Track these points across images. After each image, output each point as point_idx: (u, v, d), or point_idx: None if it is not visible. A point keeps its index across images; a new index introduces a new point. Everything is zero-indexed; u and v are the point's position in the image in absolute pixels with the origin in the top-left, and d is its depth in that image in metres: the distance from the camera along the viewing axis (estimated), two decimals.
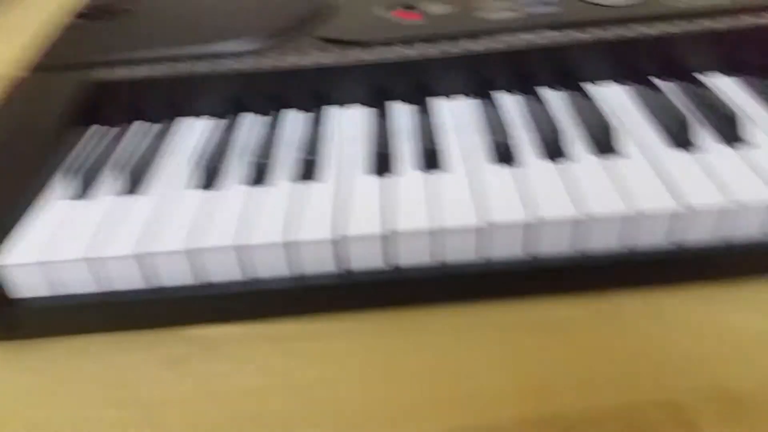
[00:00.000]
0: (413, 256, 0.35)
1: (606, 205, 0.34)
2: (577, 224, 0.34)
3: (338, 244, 0.34)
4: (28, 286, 0.36)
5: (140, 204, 0.38)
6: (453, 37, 0.46)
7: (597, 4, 0.48)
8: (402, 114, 0.45)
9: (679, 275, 0.36)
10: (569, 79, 0.46)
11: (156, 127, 0.46)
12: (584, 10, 0.48)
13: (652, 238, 0.35)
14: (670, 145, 0.39)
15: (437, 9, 0.49)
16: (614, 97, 0.45)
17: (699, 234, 0.35)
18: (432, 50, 0.45)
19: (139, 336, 0.37)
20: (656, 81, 0.45)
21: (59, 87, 0.46)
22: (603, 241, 0.35)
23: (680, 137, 0.39)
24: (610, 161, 0.38)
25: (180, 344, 0.36)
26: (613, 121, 0.40)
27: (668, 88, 0.45)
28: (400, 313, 0.36)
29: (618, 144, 0.39)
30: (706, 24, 0.45)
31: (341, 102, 0.47)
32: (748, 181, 0.35)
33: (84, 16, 0.55)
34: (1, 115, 0.45)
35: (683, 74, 0.45)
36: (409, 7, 0.50)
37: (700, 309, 0.35)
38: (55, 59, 0.50)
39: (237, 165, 0.41)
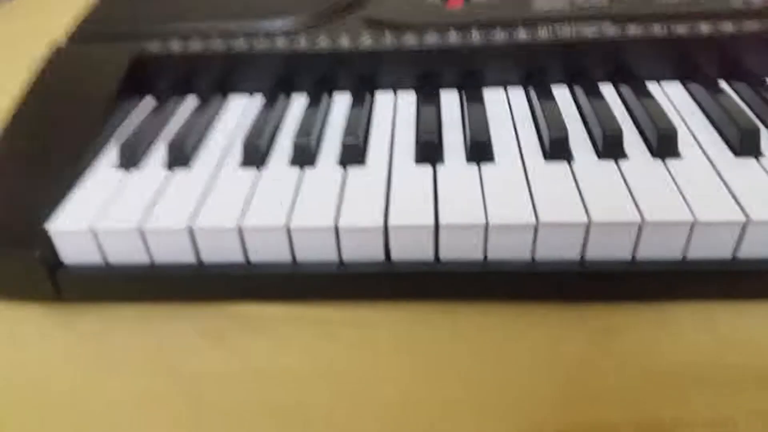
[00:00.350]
0: (458, 249, 0.35)
1: (663, 213, 0.33)
2: (631, 229, 0.33)
3: (383, 232, 0.34)
4: (77, 252, 0.36)
5: (189, 178, 0.39)
6: (493, 26, 0.45)
7: None
8: (451, 102, 0.45)
9: (736, 290, 0.35)
10: (625, 75, 0.45)
11: (207, 102, 0.46)
12: (640, 2, 0.46)
13: (709, 250, 0.34)
14: (735, 153, 0.38)
15: None
16: (674, 97, 0.44)
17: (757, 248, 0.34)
18: (476, 37, 0.45)
19: (182, 308, 0.37)
20: (722, 83, 0.44)
21: (109, 57, 0.47)
22: (658, 249, 0.34)
23: (745, 145, 0.37)
24: (668, 165, 0.37)
25: (222, 319, 0.36)
26: (673, 123, 0.39)
27: (734, 90, 0.43)
28: (446, 307, 0.36)
29: (677, 148, 0.38)
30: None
31: (388, 86, 0.47)
32: None
33: None
34: (52, 83, 0.46)
35: (750, 77, 0.44)
36: None
37: (757, 324, 0.34)
38: (105, 28, 0.50)
39: (284, 145, 0.41)
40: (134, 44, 0.47)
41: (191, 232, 0.35)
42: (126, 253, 0.36)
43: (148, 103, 0.47)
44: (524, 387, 0.32)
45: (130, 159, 0.40)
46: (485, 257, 0.35)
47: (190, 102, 0.47)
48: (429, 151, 0.39)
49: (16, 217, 0.37)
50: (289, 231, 0.34)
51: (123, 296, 0.37)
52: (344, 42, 0.46)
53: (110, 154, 0.42)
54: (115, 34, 0.48)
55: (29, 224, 0.36)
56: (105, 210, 0.36)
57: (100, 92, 0.45)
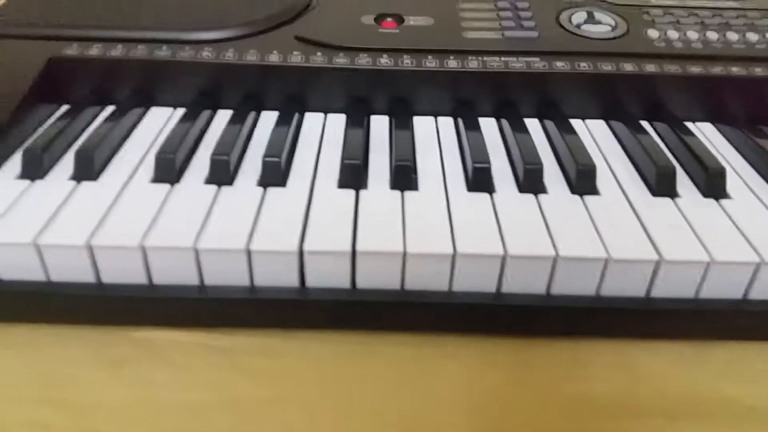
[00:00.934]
0: (375, 278, 0.34)
1: (577, 248, 0.33)
2: (545, 263, 0.33)
3: (298, 258, 0.33)
4: None
5: (96, 191, 0.36)
6: (427, 52, 0.45)
7: (577, 35, 0.47)
8: (381, 127, 0.44)
9: (650, 328, 0.35)
10: (551, 110, 0.45)
11: (125, 113, 0.43)
12: (564, 38, 0.47)
13: (622, 288, 0.34)
14: (652, 192, 0.38)
15: (416, 21, 0.48)
16: (597, 135, 0.44)
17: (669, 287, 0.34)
18: (408, 62, 0.44)
19: (83, 332, 0.35)
20: (643, 123, 0.45)
21: (22, 57, 0.44)
22: (572, 285, 0.34)
23: (661, 184, 0.38)
24: (586, 201, 0.37)
25: (123, 345, 0.34)
26: (592, 159, 0.39)
27: (656, 131, 0.44)
28: (361, 337, 0.35)
29: (595, 184, 0.38)
30: (689, 68, 0.45)
31: (318, 107, 0.46)
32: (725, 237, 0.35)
33: None
34: None
35: (667, 117, 0.45)
36: (387, 16, 0.49)
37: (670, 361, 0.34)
38: (20, 25, 0.47)
39: (202, 161, 0.39)
40: (51, 45, 0.45)
41: (90, 250, 0.33)
42: (19, 268, 0.33)
43: (68, 111, 0.45)
44: (438, 419, 0.31)
45: (35, 169, 0.38)
46: (402, 286, 0.34)
47: (108, 113, 0.45)
48: (352, 175, 0.38)
49: None
50: (197, 252, 0.33)
51: (13, 316, 0.35)
52: (274, 57, 0.44)
53: (15, 162, 0.39)
54: (30, 33, 0.46)
55: None
56: (1, 222, 0.34)
57: (9, 94, 0.42)
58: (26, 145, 0.39)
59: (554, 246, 0.33)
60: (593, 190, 0.38)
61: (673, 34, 0.47)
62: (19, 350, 0.34)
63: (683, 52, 0.46)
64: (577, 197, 0.37)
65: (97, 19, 0.47)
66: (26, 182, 0.37)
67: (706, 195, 0.38)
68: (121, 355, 0.34)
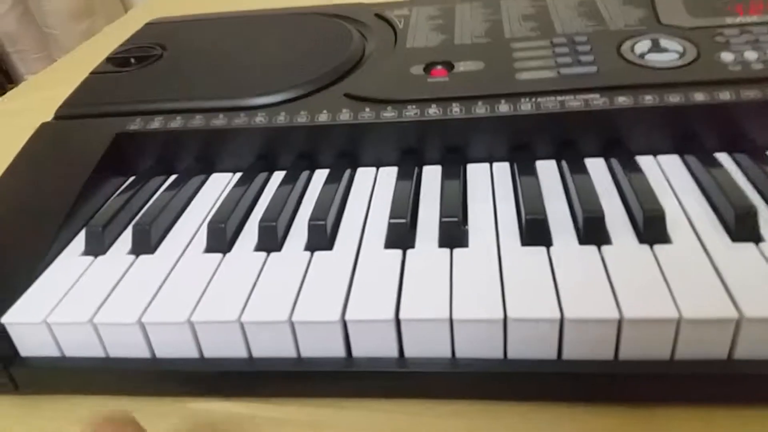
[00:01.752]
0: (422, 347, 0.32)
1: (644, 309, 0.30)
2: (609, 326, 0.30)
3: (342, 327, 0.32)
4: (33, 344, 0.35)
5: (151, 265, 0.37)
6: (477, 98, 0.43)
7: (641, 65, 0.44)
8: (430, 176, 0.43)
9: (732, 393, 0.31)
10: (614, 148, 0.42)
11: (187, 181, 0.45)
12: (627, 71, 0.44)
13: (699, 350, 0.30)
14: (731, 237, 0.34)
15: (466, 66, 0.47)
16: (668, 172, 0.41)
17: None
18: (457, 110, 0.43)
19: (138, 403, 0.35)
20: (721, 155, 0.41)
21: (90, 135, 0.47)
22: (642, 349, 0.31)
23: (742, 228, 0.34)
24: (655, 252, 0.34)
25: (180, 416, 0.35)
26: (660, 203, 0.36)
27: (734, 162, 0.40)
28: (410, 406, 0.33)
29: (665, 231, 0.35)
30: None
31: (367, 161, 0.45)
32: None
33: (113, 61, 0.56)
34: (32, 161, 0.46)
35: (747, 147, 0.41)
36: (437, 64, 0.48)
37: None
38: (82, 107, 0.50)
39: (254, 227, 0.39)
40: (111, 122, 0.47)
41: (143, 327, 0.33)
42: (80, 346, 0.35)
43: (132, 183, 0.47)
44: None
45: (97, 245, 0.39)
46: (453, 354, 0.32)
47: (171, 181, 0.46)
48: (398, 234, 0.37)
49: None
50: (242, 326, 0.33)
51: (77, 388, 0.36)
52: (323, 117, 0.44)
53: (81, 239, 0.41)
54: (98, 113, 0.48)
55: None
56: (63, 301, 0.35)
57: (79, 171, 0.44)
58: (95, 220, 0.41)
59: (618, 308, 0.30)
60: (664, 238, 0.35)
61: (750, 55, 0.43)
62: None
63: (763, 74, 0.41)
64: (645, 247, 0.34)
65: (158, 94, 0.49)
66: (89, 259, 0.39)
67: None
68: (175, 425, 0.34)
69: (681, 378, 0.31)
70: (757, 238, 0.34)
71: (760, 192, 0.38)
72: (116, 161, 0.46)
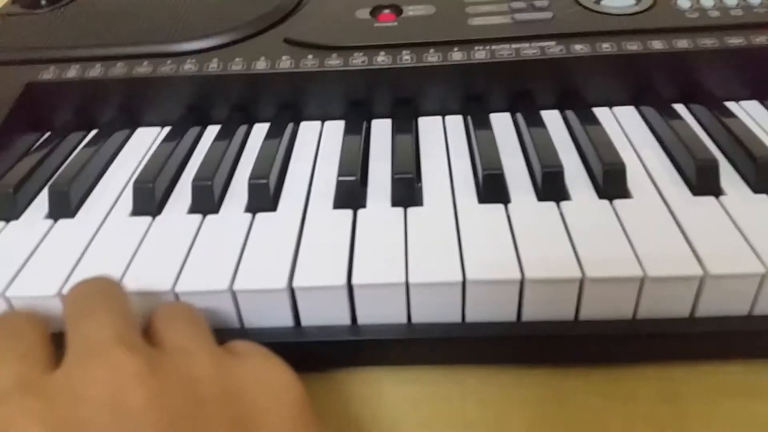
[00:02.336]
0: (374, 312, 0.30)
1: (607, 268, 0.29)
2: (572, 286, 0.29)
3: (289, 294, 0.30)
4: None
5: (71, 230, 0.34)
6: (429, 44, 0.40)
7: (597, 12, 0.42)
8: (380, 130, 0.40)
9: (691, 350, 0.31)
10: (571, 100, 0.40)
11: (107, 137, 0.40)
12: (583, 17, 0.42)
13: (666, 308, 0.30)
14: (690, 191, 0.33)
15: (415, 11, 0.43)
16: (623, 122, 0.39)
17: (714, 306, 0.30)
18: (407, 58, 0.40)
19: None
20: (677, 107, 0.40)
21: (0, 85, 0.41)
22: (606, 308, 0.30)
23: (703, 182, 0.33)
24: (614, 205, 0.32)
25: None
26: (621, 157, 0.34)
27: (693, 114, 0.39)
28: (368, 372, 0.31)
29: (627, 185, 0.34)
30: (728, 40, 0.39)
31: (311, 115, 0.42)
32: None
33: (21, 2, 0.49)
34: None
35: (705, 98, 0.40)
36: (384, 8, 0.44)
37: None
38: None
39: (187, 187, 0.36)
40: (26, 70, 0.42)
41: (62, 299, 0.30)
42: None
43: (49, 138, 0.42)
44: None
45: (9, 209, 0.35)
46: (409, 320, 0.30)
47: (92, 136, 0.42)
48: (348, 193, 0.34)
49: None
50: (177, 296, 0.30)
51: None
52: (261, 64, 0.41)
53: None
54: (5, 60, 0.43)
55: None
56: None
57: None
58: (6, 180, 0.36)
59: (580, 267, 0.29)
60: (624, 193, 0.33)
61: (707, 2, 0.42)
62: None
63: (720, 22, 0.40)
64: (605, 203, 0.33)
65: (74, 38, 0.44)
66: (1, 224, 0.34)
67: (756, 190, 0.33)
68: None
69: (643, 337, 0.30)
70: (717, 192, 0.33)
71: (717, 144, 0.37)
72: (28, 114, 0.41)
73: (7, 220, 0.35)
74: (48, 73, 0.42)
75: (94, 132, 0.42)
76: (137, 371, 0.22)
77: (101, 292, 0.26)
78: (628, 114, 0.40)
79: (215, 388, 0.23)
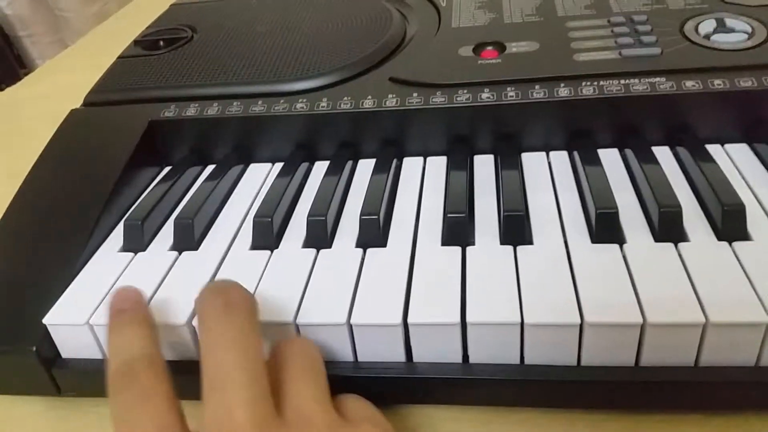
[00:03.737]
0: (487, 352, 0.30)
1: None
2: (694, 331, 0.28)
3: (404, 330, 0.30)
4: (75, 345, 0.34)
5: (196, 262, 0.36)
6: (534, 81, 0.41)
7: (707, 47, 0.41)
8: (485, 168, 0.41)
9: None
10: (681, 136, 0.39)
11: (224, 173, 0.43)
12: (692, 53, 0.41)
13: None
14: None
15: (519, 47, 0.44)
16: (737, 160, 0.38)
17: None
18: (512, 94, 0.40)
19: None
20: None
21: (119, 123, 0.45)
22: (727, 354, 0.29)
23: None
24: (733, 247, 0.31)
25: None
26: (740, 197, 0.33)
27: None
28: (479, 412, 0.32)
29: (746, 227, 0.33)
30: None
31: (415, 151, 0.43)
32: None
33: (141, 44, 0.53)
34: (63, 152, 0.44)
35: None
36: (487, 45, 0.45)
37: None
38: (112, 92, 0.48)
39: (300, 221, 0.37)
40: (149, 108, 0.45)
41: (192, 329, 0.32)
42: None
43: (165, 174, 0.45)
44: None
45: (137, 241, 0.38)
46: (522, 360, 0.30)
47: (210, 172, 0.44)
48: (457, 230, 0.35)
49: (13, 308, 0.34)
50: (297, 329, 0.31)
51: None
52: (368, 102, 0.42)
53: (118, 233, 0.39)
54: (129, 99, 0.46)
55: (27, 316, 0.34)
56: (106, 301, 0.33)
57: (113, 161, 0.42)
58: (127, 215, 0.39)
59: (703, 310, 0.28)
60: (743, 235, 0.32)
61: None
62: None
63: None
64: (725, 244, 0.32)
65: (192, 78, 0.47)
66: (129, 255, 0.37)
67: None
68: None
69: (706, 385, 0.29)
70: None
71: None
72: (150, 150, 0.44)
73: (135, 251, 0.37)
74: (169, 111, 0.45)
75: (210, 167, 0.44)
76: None
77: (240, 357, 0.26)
78: (741, 151, 0.39)
79: None
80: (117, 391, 0.27)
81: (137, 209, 0.39)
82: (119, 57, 0.52)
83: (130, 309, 0.30)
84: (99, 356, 0.34)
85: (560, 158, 0.41)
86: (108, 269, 0.36)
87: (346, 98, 0.42)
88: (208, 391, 0.25)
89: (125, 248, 0.38)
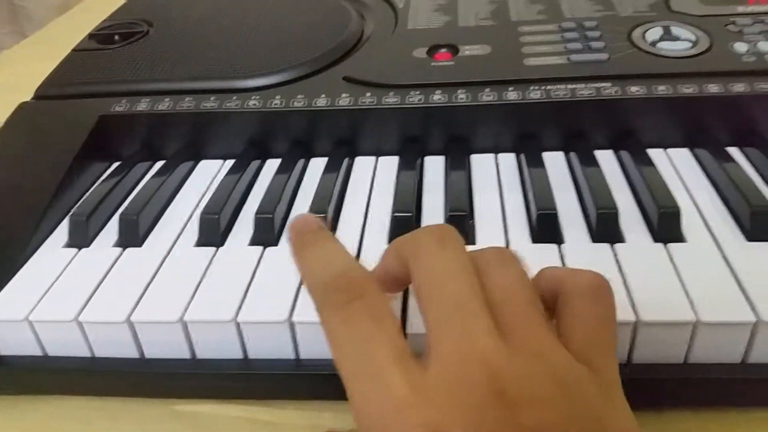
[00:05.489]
0: None
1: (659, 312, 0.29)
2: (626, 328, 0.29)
3: None
4: (14, 343, 0.33)
5: (140, 259, 0.35)
6: (485, 84, 0.41)
7: (653, 54, 0.42)
8: (434, 168, 0.41)
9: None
10: (625, 140, 0.41)
11: (175, 168, 0.42)
12: (638, 59, 0.42)
13: (715, 353, 0.29)
14: (746, 236, 0.33)
15: (472, 51, 0.44)
16: (678, 165, 0.39)
17: None
18: (463, 96, 0.41)
19: (130, 404, 0.34)
20: (732, 150, 0.39)
21: (69, 118, 0.44)
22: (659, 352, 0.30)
23: (758, 227, 0.33)
24: (668, 249, 0.32)
25: (169, 419, 0.33)
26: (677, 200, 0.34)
27: (745, 158, 0.39)
28: None
29: (681, 228, 0.34)
30: None
31: (367, 151, 0.43)
32: None
33: (96, 37, 0.53)
34: (9, 145, 0.43)
35: (761, 143, 0.39)
36: (441, 47, 0.46)
37: None
38: (64, 86, 0.47)
39: (249, 218, 0.37)
40: (100, 103, 0.44)
41: (132, 326, 0.31)
42: (65, 345, 0.33)
43: (118, 169, 0.44)
44: None
45: (81, 236, 0.37)
46: None
47: (159, 168, 0.44)
48: (403, 228, 0.35)
49: None
50: (238, 326, 0.31)
51: (62, 389, 0.34)
52: (321, 101, 0.42)
53: (64, 228, 0.38)
54: (80, 93, 0.46)
55: None
56: (46, 297, 0.33)
57: (61, 156, 0.41)
58: (73, 210, 0.39)
59: (634, 309, 0.29)
60: (678, 237, 0.33)
61: (764, 46, 0.41)
62: (70, 423, 0.34)
63: None
64: (660, 246, 0.33)
65: (145, 73, 0.46)
66: (73, 251, 0.36)
67: None
68: (166, 429, 0.33)
69: (695, 382, 0.30)
70: None
71: None
72: (100, 145, 0.44)
73: (79, 247, 0.37)
74: (120, 106, 0.44)
75: (160, 163, 0.44)
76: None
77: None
78: (682, 156, 0.40)
79: None
80: (338, 306, 0.23)
81: (83, 205, 0.39)
82: (73, 50, 0.51)
83: (321, 228, 0.27)
84: (39, 353, 0.33)
85: (508, 160, 0.41)
86: (51, 265, 0.35)
87: (299, 96, 0.43)
88: (444, 322, 0.22)
89: (70, 244, 0.37)
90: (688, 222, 0.34)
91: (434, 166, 0.41)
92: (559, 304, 0.25)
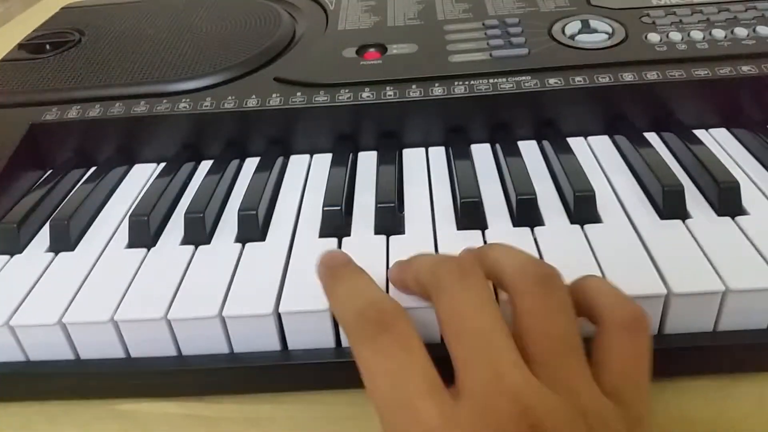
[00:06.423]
0: None
1: None
2: None
3: (276, 319, 0.31)
4: None
5: (72, 263, 0.35)
6: (411, 81, 0.43)
7: (571, 47, 0.44)
8: (367, 163, 0.42)
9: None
10: (546, 130, 0.42)
11: (108, 173, 0.42)
12: (557, 52, 0.44)
13: None
14: (658, 215, 0.35)
15: (399, 49, 0.46)
16: (597, 151, 0.41)
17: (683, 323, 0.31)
18: (390, 93, 0.42)
19: (69, 407, 0.34)
20: (650, 135, 0.42)
21: (6, 126, 0.44)
22: None
23: (670, 206, 0.35)
24: (584, 230, 0.34)
25: (110, 420, 0.33)
26: (595, 183, 0.36)
27: (660, 142, 0.41)
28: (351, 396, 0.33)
29: (597, 210, 0.35)
30: (695, 71, 0.41)
31: (300, 148, 0.44)
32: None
33: (26, 47, 0.52)
34: None
35: (675, 126, 0.42)
36: (370, 47, 0.47)
37: None
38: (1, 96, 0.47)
39: (181, 220, 0.38)
40: (30, 112, 0.44)
41: (64, 328, 0.32)
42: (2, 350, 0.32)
43: (50, 176, 0.44)
44: None
45: (12, 243, 0.37)
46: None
47: (91, 174, 0.44)
48: (333, 222, 0.36)
49: None
50: (170, 323, 0.31)
51: (2, 395, 0.34)
52: (252, 102, 0.43)
53: None
54: (10, 103, 0.45)
55: None
56: None
57: None
58: (4, 218, 0.38)
59: None
60: (594, 218, 0.35)
61: (675, 36, 0.44)
62: (8, 429, 0.33)
63: (687, 54, 0.42)
64: (576, 227, 0.34)
65: (75, 81, 0.46)
66: (4, 258, 0.36)
67: (720, 213, 0.35)
68: (107, 428, 0.33)
69: None
70: (684, 216, 0.35)
71: (686, 170, 0.39)
72: (31, 154, 0.44)
73: (11, 254, 0.37)
74: (50, 114, 0.44)
75: (93, 169, 0.44)
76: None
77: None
78: (601, 143, 0.42)
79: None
80: (369, 338, 0.24)
81: (14, 212, 0.39)
82: (1, 60, 0.51)
83: (350, 262, 0.29)
84: None
85: (438, 154, 0.43)
86: None
87: (230, 98, 0.43)
88: (471, 359, 0.23)
89: (1, 251, 0.37)
90: (605, 204, 0.36)
91: (367, 162, 0.42)
92: (598, 331, 0.26)
